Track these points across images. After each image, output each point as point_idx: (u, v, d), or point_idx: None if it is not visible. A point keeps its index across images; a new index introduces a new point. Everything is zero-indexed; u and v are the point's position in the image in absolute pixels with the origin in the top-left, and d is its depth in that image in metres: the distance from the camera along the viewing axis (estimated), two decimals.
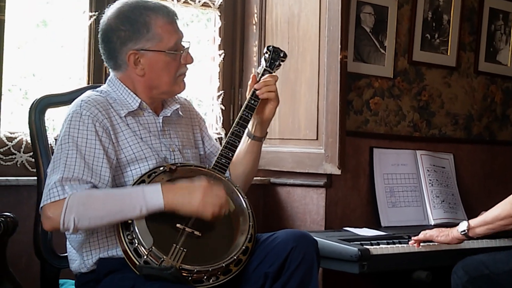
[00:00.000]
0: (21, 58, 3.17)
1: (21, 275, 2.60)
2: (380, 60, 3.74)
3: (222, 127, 3.72)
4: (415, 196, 3.73)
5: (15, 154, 3.07)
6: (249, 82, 2.63)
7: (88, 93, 2.49)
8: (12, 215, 2.51)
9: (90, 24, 3.26)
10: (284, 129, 3.62)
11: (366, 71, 3.70)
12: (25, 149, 3.07)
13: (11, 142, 3.07)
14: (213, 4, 3.71)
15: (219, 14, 3.74)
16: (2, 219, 2.48)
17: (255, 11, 3.76)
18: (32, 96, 3.10)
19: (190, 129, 2.68)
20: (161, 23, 2.47)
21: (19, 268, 2.82)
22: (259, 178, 3.63)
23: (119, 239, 2.31)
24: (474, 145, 4.15)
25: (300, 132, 3.57)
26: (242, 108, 2.57)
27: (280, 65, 2.67)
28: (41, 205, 2.31)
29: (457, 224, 2.96)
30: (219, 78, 3.75)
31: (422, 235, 3.02)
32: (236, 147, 2.54)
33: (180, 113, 2.62)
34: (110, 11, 2.50)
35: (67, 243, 2.48)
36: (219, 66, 3.74)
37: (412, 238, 3.04)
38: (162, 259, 2.23)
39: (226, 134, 3.67)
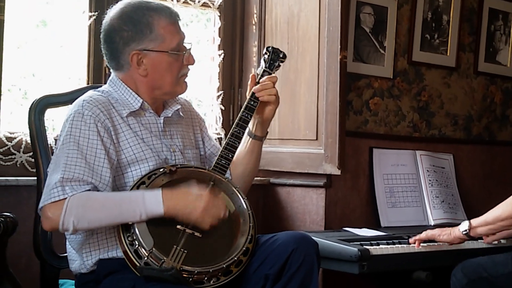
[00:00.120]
0: (21, 58, 3.17)
1: (21, 275, 2.60)
2: (379, 60, 3.74)
3: (222, 128, 3.72)
4: (414, 197, 3.72)
5: (15, 154, 3.07)
6: (249, 82, 2.63)
7: (90, 93, 2.49)
8: (12, 215, 2.51)
9: (90, 24, 3.26)
10: (284, 129, 3.62)
11: (365, 71, 3.70)
12: (25, 149, 3.07)
13: (11, 142, 3.06)
14: (213, 4, 3.70)
15: (219, 14, 3.74)
16: (2, 219, 2.48)
17: (255, 11, 3.76)
18: (31, 96, 3.10)
19: (191, 130, 2.68)
20: (164, 23, 2.47)
21: (19, 268, 2.81)
22: (259, 178, 3.62)
23: (120, 240, 2.31)
24: (473, 145, 4.15)
25: (299, 133, 3.57)
26: (242, 109, 2.58)
27: (279, 66, 2.67)
28: (41, 204, 2.31)
29: (458, 224, 2.96)
30: (218, 78, 3.75)
31: (424, 234, 3.03)
32: (236, 148, 2.54)
33: (181, 113, 2.63)
34: (112, 11, 2.50)
35: (67, 243, 2.48)
36: (219, 66, 3.74)
37: (413, 237, 3.04)
38: (163, 260, 2.23)
39: (225, 135, 3.67)
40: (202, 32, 3.75)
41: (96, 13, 3.23)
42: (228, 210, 2.41)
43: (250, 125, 2.63)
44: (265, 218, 3.68)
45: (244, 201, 2.46)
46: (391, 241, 3.06)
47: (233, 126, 2.56)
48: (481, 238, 3.05)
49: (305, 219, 3.54)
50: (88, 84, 3.24)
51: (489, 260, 2.85)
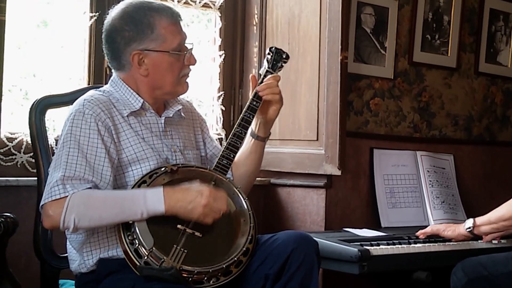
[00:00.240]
0: (22, 58, 3.17)
1: (21, 276, 2.60)
2: (380, 61, 3.74)
3: (223, 128, 3.72)
4: (415, 197, 3.72)
5: (15, 154, 3.07)
6: (250, 84, 2.63)
7: (91, 92, 2.50)
8: (12, 216, 2.52)
9: (91, 24, 3.26)
10: (285, 129, 3.62)
11: (366, 72, 3.70)
12: (25, 150, 3.07)
13: (12, 142, 3.07)
14: (214, 4, 3.71)
15: (220, 14, 3.74)
16: (2, 219, 2.48)
17: (256, 11, 3.76)
18: (32, 96, 3.10)
19: (192, 130, 2.68)
20: (165, 24, 2.47)
21: (19, 268, 2.82)
22: (259, 179, 3.62)
23: (120, 239, 2.32)
24: (474, 146, 4.15)
25: (300, 133, 3.57)
26: (244, 110, 2.57)
27: (282, 66, 2.67)
28: (42, 202, 2.32)
29: (463, 221, 2.99)
30: (219, 79, 3.75)
31: (430, 228, 3.06)
32: (237, 148, 2.54)
33: (182, 114, 2.63)
34: (114, 11, 2.50)
35: (67, 243, 2.48)
36: (220, 67, 3.74)
37: (420, 231, 3.07)
38: (163, 260, 2.23)
39: (226, 135, 3.67)
40: (202, 33, 3.75)
41: (97, 13, 3.23)
42: (229, 210, 2.41)
43: (253, 125, 2.63)
44: (265, 218, 3.68)
45: (245, 201, 2.46)
46: (391, 242, 3.06)
47: (235, 126, 2.56)
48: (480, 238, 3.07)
49: (305, 219, 3.54)
50: (88, 84, 3.24)
51: (490, 259, 2.86)
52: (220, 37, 3.74)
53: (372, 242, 3.00)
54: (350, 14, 3.53)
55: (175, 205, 2.29)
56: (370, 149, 3.69)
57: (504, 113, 4.31)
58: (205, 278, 2.27)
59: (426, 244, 3.06)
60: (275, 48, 2.67)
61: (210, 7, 3.70)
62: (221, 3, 3.72)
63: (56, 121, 3.14)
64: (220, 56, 3.73)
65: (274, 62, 2.65)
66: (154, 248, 2.24)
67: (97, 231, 2.39)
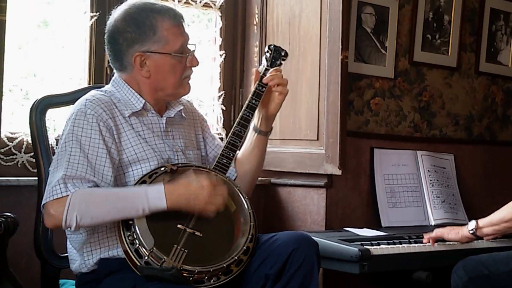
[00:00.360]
0: (22, 58, 3.17)
1: (22, 275, 2.60)
2: (381, 60, 3.74)
3: (223, 128, 3.72)
4: (415, 197, 3.72)
5: (16, 154, 3.07)
6: (253, 77, 2.63)
7: (93, 92, 2.50)
8: (12, 216, 2.51)
9: (91, 24, 3.26)
10: (285, 129, 3.62)
11: (367, 71, 3.70)
12: (26, 150, 3.07)
13: (12, 142, 3.07)
14: (214, 4, 3.71)
15: (220, 14, 3.74)
16: (3, 219, 2.48)
17: (256, 11, 3.76)
18: (33, 96, 3.10)
19: (193, 131, 2.68)
20: (168, 25, 2.47)
21: (20, 268, 2.82)
22: (260, 178, 3.61)
23: (120, 239, 2.32)
24: (475, 145, 4.15)
25: (300, 133, 3.57)
26: (243, 108, 2.58)
27: (281, 64, 2.67)
28: (43, 202, 2.32)
29: (459, 224, 2.98)
30: (220, 79, 3.75)
31: (434, 233, 3.05)
32: (237, 147, 2.55)
33: (183, 114, 2.63)
34: (117, 12, 2.50)
35: (68, 243, 2.48)
36: (220, 67, 3.74)
37: (426, 236, 3.06)
38: (163, 259, 2.23)
39: (227, 135, 3.67)
40: (203, 33, 3.75)
41: (98, 13, 3.23)
42: (229, 210, 2.41)
43: (256, 120, 2.64)
44: (266, 218, 3.69)
45: (245, 200, 2.46)
46: (391, 241, 3.06)
47: (235, 124, 2.56)
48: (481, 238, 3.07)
49: (306, 219, 3.54)
50: (89, 84, 3.24)
51: (490, 257, 2.87)
52: (221, 37, 3.74)
53: (373, 242, 3.00)
54: (350, 14, 3.53)
55: (176, 201, 2.29)
56: (371, 149, 3.69)
57: (505, 112, 4.31)
58: (206, 277, 2.27)
59: (427, 244, 3.06)
60: (274, 45, 2.67)
61: (211, 7, 3.70)
62: (222, 3, 3.72)
63: (56, 121, 3.14)
64: (221, 55, 3.73)
65: (273, 60, 2.66)
66: (154, 248, 2.24)
67: (97, 231, 2.39)
